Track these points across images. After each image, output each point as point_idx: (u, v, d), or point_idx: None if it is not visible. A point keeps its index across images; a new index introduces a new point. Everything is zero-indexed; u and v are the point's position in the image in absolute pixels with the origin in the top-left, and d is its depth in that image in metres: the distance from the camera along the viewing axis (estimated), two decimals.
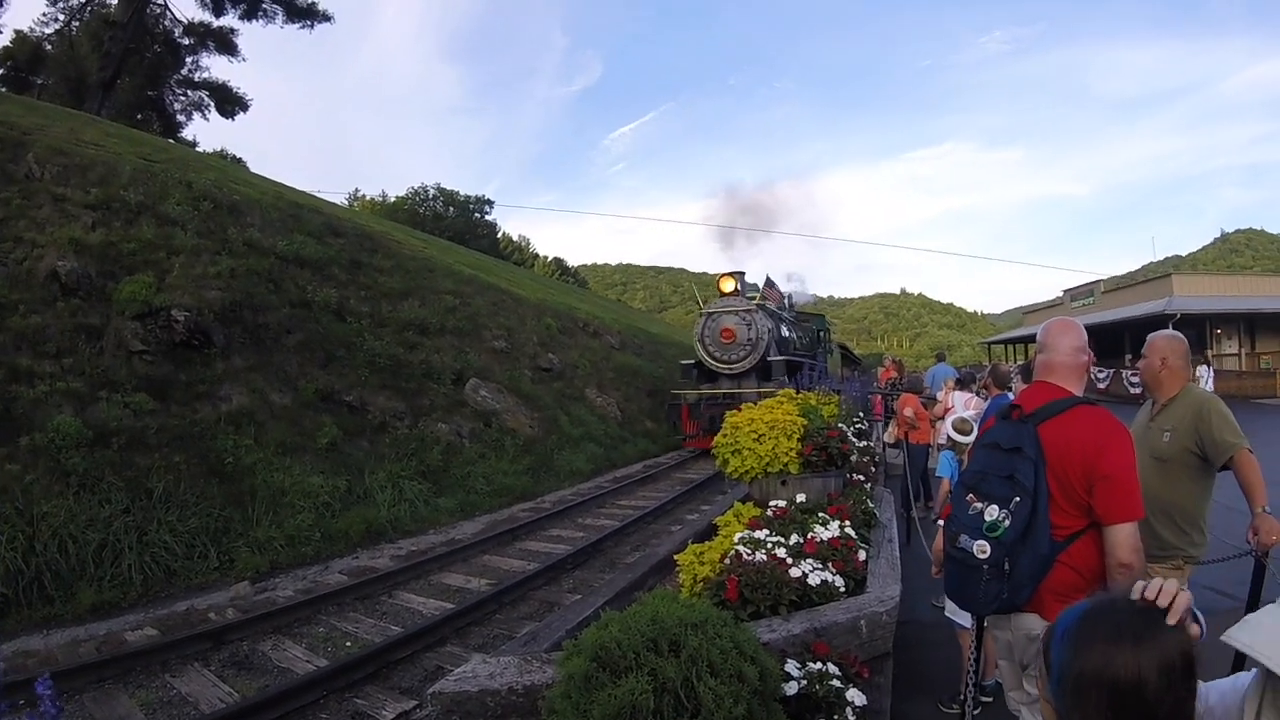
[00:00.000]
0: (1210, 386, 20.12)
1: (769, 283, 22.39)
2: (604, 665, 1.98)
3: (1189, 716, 1.13)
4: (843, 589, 3.21)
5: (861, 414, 10.76)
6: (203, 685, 5.44)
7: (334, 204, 30.88)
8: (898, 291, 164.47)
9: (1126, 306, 32.36)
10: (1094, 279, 39.45)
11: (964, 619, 3.67)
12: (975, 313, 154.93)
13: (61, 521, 7.25)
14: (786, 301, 24.15)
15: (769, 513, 4.21)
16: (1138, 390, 23.09)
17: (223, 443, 9.50)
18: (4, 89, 26.78)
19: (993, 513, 2.38)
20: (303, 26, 34.50)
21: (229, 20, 34.11)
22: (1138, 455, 2.46)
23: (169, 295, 10.58)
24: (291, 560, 8.59)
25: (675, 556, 3.69)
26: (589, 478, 14.59)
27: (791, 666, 2.46)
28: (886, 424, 11.82)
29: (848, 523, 3.97)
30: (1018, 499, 2.35)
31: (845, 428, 6.28)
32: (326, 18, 34.45)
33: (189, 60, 35.71)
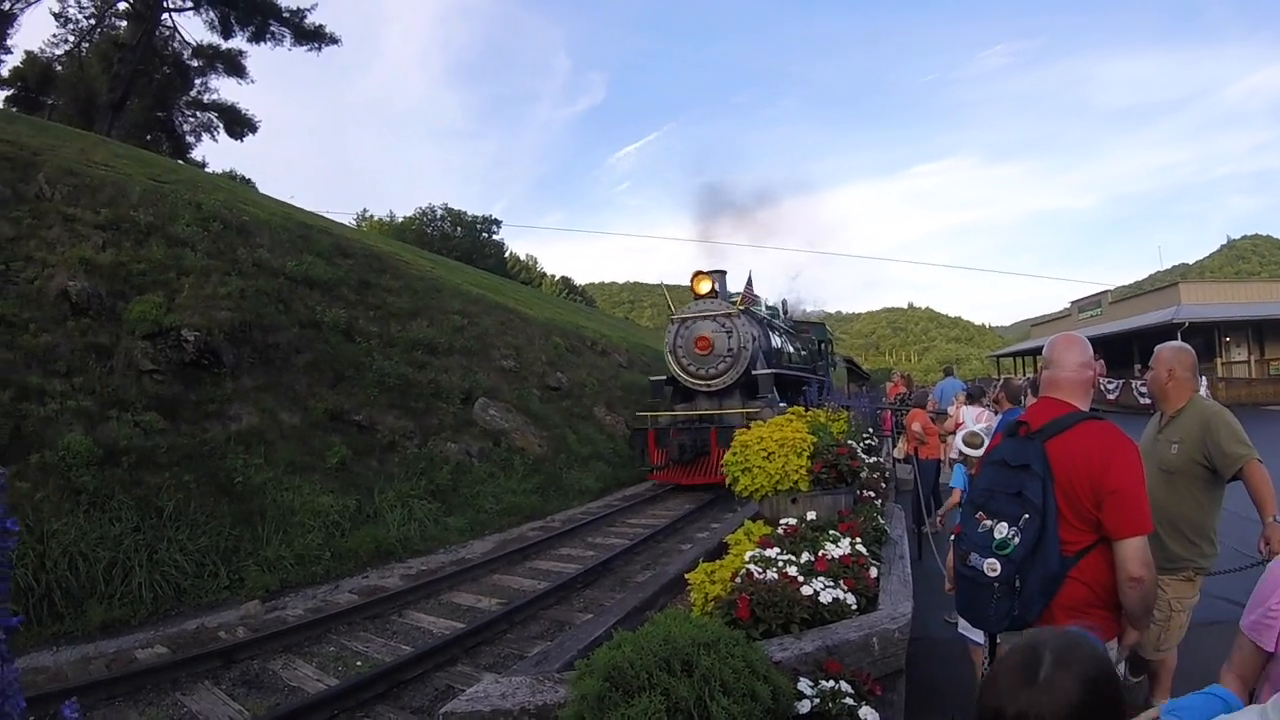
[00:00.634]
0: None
1: (748, 282, 19.06)
2: (617, 685, 1.99)
3: None
4: (854, 606, 3.20)
5: (871, 429, 10.74)
6: (213, 703, 5.46)
7: (342, 224, 31.05)
8: (905, 306, 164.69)
9: (1134, 316, 32.27)
10: (1101, 289, 39.43)
11: (977, 635, 3.66)
12: (983, 326, 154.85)
13: (72, 539, 7.29)
14: (781, 308, 21.54)
15: (780, 531, 4.20)
16: (1147, 401, 22.88)
17: (233, 462, 9.55)
18: (14, 109, 27.05)
19: (1002, 530, 2.39)
20: (310, 49, 34.79)
21: (237, 42, 34.53)
22: (1146, 468, 2.47)
23: (179, 315, 10.66)
24: (301, 579, 8.61)
25: (686, 575, 3.69)
26: (598, 496, 14.57)
27: (804, 685, 2.46)
28: (896, 439, 11.79)
29: (859, 540, 3.96)
30: (1026, 516, 2.36)
31: (855, 444, 6.28)
32: (334, 40, 34.77)
33: (198, 82, 36.15)
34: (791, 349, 19.17)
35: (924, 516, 8.03)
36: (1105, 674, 1.28)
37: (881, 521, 4.90)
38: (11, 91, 32.80)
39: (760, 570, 3.30)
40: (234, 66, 35.00)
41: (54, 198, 12.13)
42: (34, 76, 32.52)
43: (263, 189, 36.59)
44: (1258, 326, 29.76)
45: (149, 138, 34.77)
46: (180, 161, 31.04)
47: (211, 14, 33.05)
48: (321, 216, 26.36)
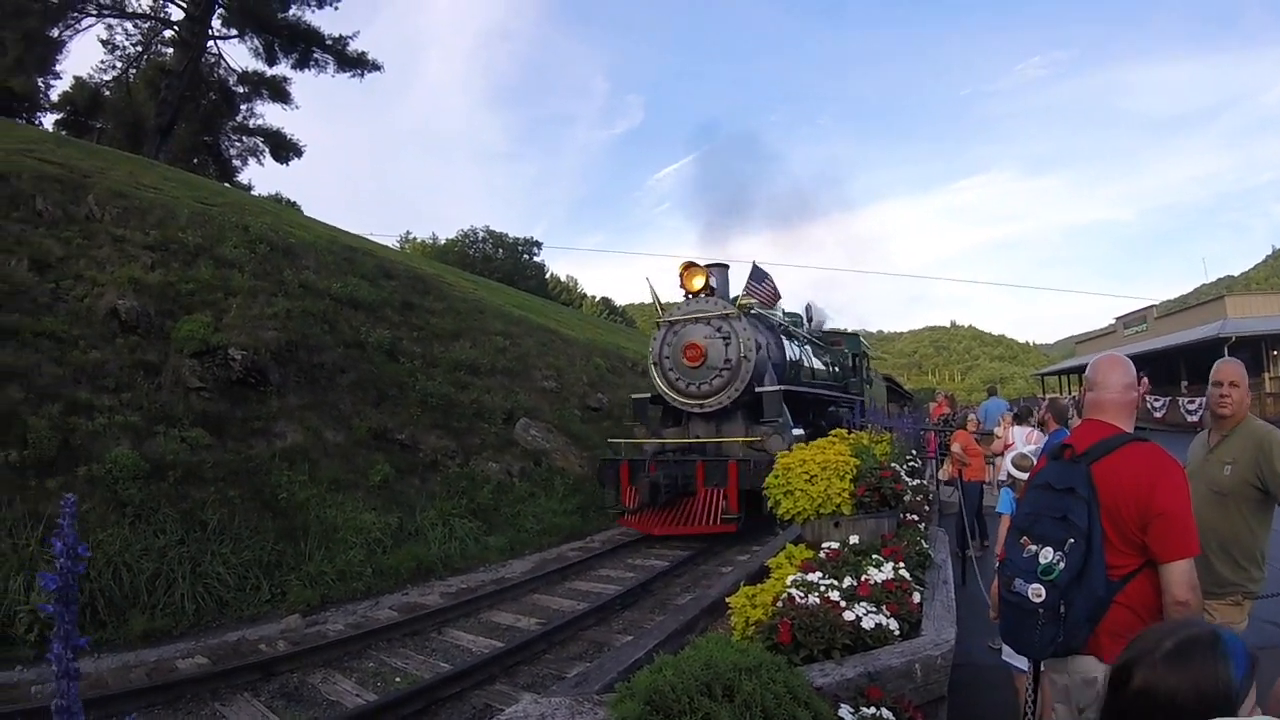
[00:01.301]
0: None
1: (755, 274, 14.07)
2: (657, 709, 1.98)
3: None
4: (897, 632, 3.16)
5: (914, 451, 10.57)
6: (252, 715, 5.53)
7: (386, 246, 31.58)
8: (948, 324, 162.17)
9: (1180, 332, 31.37)
10: (1146, 304, 38.60)
11: (1020, 662, 3.59)
12: (1027, 344, 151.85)
13: (116, 550, 7.47)
14: (805, 316, 17.76)
15: (822, 555, 4.17)
16: (1195, 419, 22.36)
17: (277, 478, 9.73)
18: (64, 133, 28.01)
19: (1047, 555, 2.35)
20: (353, 75, 35.61)
21: (282, 69, 35.50)
22: (1195, 488, 2.42)
23: (226, 334, 10.92)
24: (342, 595, 8.72)
25: (727, 599, 3.68)
26: None
27: (845, 711, 2.44)
28: (940, 461, 11.56)
29: (902, 564, 3.91)
30: (1072, 540, 2.31)
31: (898, 467, 6.21)
32: (376, 67, 35.55)
33: (243, 107, 37.25)
34: (818, 363, 16.03)
35: (968, 540, 7.90)
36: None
37: (925, 545, 4.83)
38: (61, 115, 34.09)
39: (802, 595, 3.28)
40: (278, 92, 35.94)
41: (104, 219, 12.55)
42: (83, 101, 33.75)
43: (308, 212, 37.45)
44: None
45: (195, 161, 35.85)
46: (227, 185, 31.91)
47: (256, 42, 34.08)
48: (366, 239, 26.91)
